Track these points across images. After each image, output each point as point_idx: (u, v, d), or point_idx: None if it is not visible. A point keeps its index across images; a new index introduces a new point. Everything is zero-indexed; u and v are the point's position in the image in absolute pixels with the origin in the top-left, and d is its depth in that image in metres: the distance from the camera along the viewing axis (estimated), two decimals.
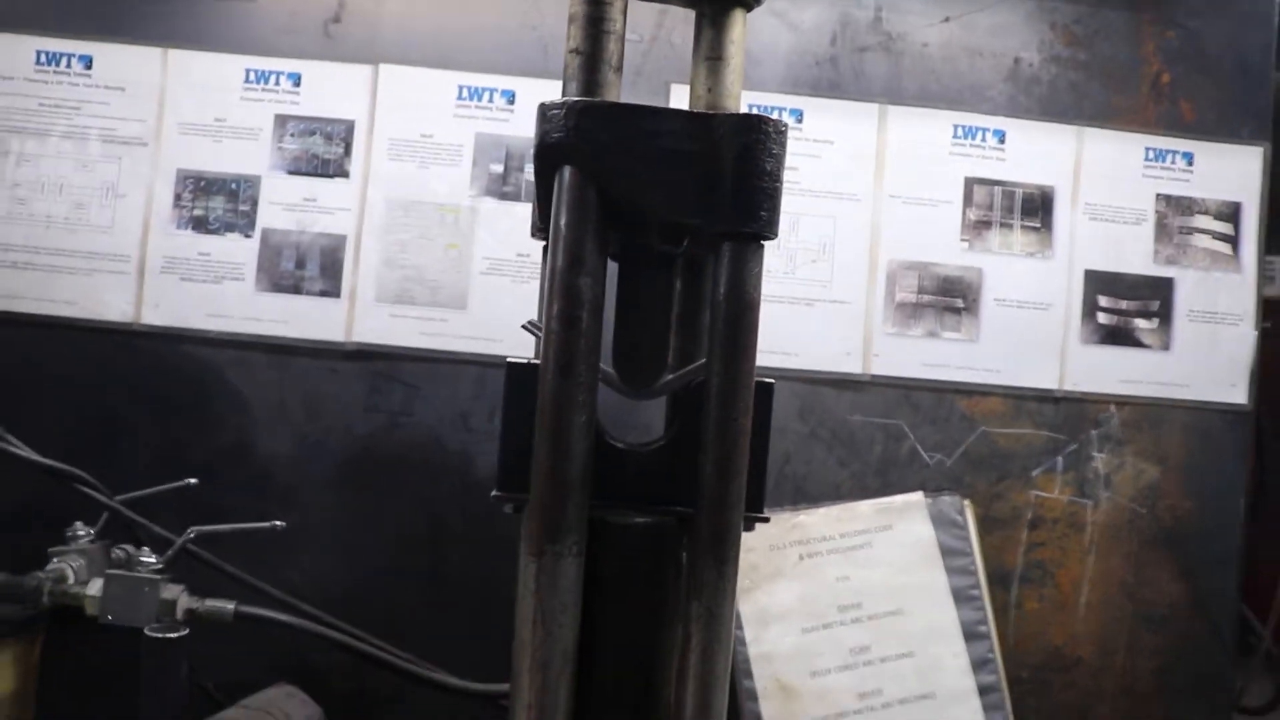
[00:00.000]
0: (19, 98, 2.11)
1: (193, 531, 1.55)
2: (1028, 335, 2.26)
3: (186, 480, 1.74)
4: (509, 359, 1.27)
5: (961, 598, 2.06)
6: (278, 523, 1.62)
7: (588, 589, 1.18)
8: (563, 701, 1.15)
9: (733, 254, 1.18)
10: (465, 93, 2.13)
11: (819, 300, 2.22)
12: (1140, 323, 2.29)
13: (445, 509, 2.12)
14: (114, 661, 1.87)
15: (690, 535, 1.21)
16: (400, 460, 2.10)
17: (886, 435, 2.25)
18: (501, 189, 2.13)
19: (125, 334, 2.08)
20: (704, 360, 1.26)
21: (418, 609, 2.11)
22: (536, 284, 2.15)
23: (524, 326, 1.34)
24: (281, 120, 2.11)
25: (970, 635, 2.02)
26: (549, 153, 1.17)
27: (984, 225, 2.26)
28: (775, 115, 2.19)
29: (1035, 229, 2.28)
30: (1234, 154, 2.31)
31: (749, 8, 1.35)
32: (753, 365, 1.20)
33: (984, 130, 2.26)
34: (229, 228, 2.09)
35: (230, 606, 1.54)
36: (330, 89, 2.11)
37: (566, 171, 1.15)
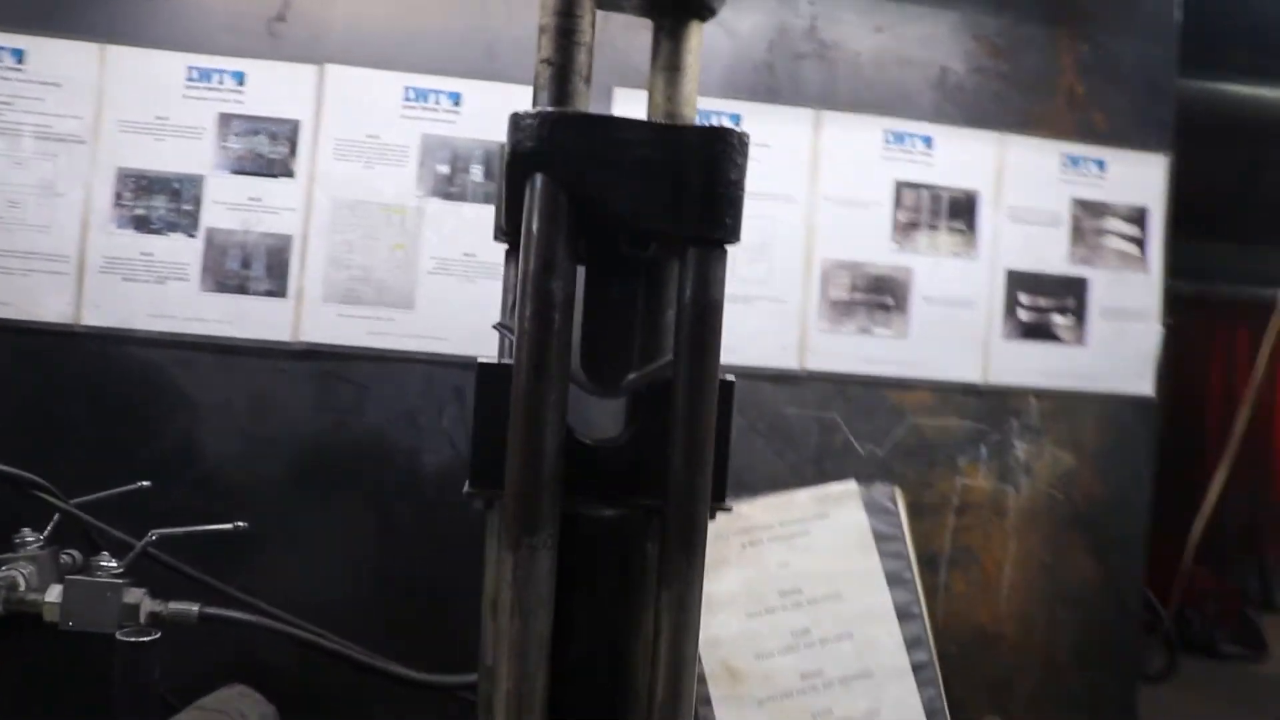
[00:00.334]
0: None
1: (154, 534, 1.54)
2: (953, 331, 2.38)
3: (139, 483, 1.73)
4: (480, 360, 1.30)
5: (895, 580, 2.16)
6: (240, 523, 1.62)
7: (560, 580, 1.23)
8: (540, 688, 1.19)
9: (698, 258, 1.24)
10: (412, 94, 2.14)
11: (757, 298, 2.30)
12: (1057, 319, 2.43)
13: (394, 506, 2.14)
14: (64, 667, 1.85)
15: (662, 526, 1.26)
16: (349, 459, 2.11)
17: (821, 427, 2.34)
18: (447, 189, 2.15)
19: (65, 335, 2.04)
20: (668, 359, 1.31)
21: (367, 605, 2.12)
22: (483, 284, 2.19)
23: (495, 327, 1.38)
24: (225, 119, 2.09)
25: (904, 616, 2.12)
26: (522, 161, 1.20)
27: (913, 227, 2.37)
28: (715, 120, 2.27)
29: (961, 230, 2.39)
30: (1141, 161, 2.47)
31: (704, 19, 1.41)
32: (717, 364, 1.26)
33: (913, 136, 2.37)
34: (172, 227, 2.06)
35: (195, 608, 1.54)
36: (275, 88, 2.10)
37: (539, 179, 1.19)
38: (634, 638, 1.33)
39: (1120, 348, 2.45)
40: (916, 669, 2.08)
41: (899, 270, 2.36)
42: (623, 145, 1.22)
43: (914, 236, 2.37)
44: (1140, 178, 2.48)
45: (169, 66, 2.07)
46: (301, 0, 2.12)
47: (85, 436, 2.04)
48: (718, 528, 2.21)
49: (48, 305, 2.03)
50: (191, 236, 2.07)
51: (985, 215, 2.40)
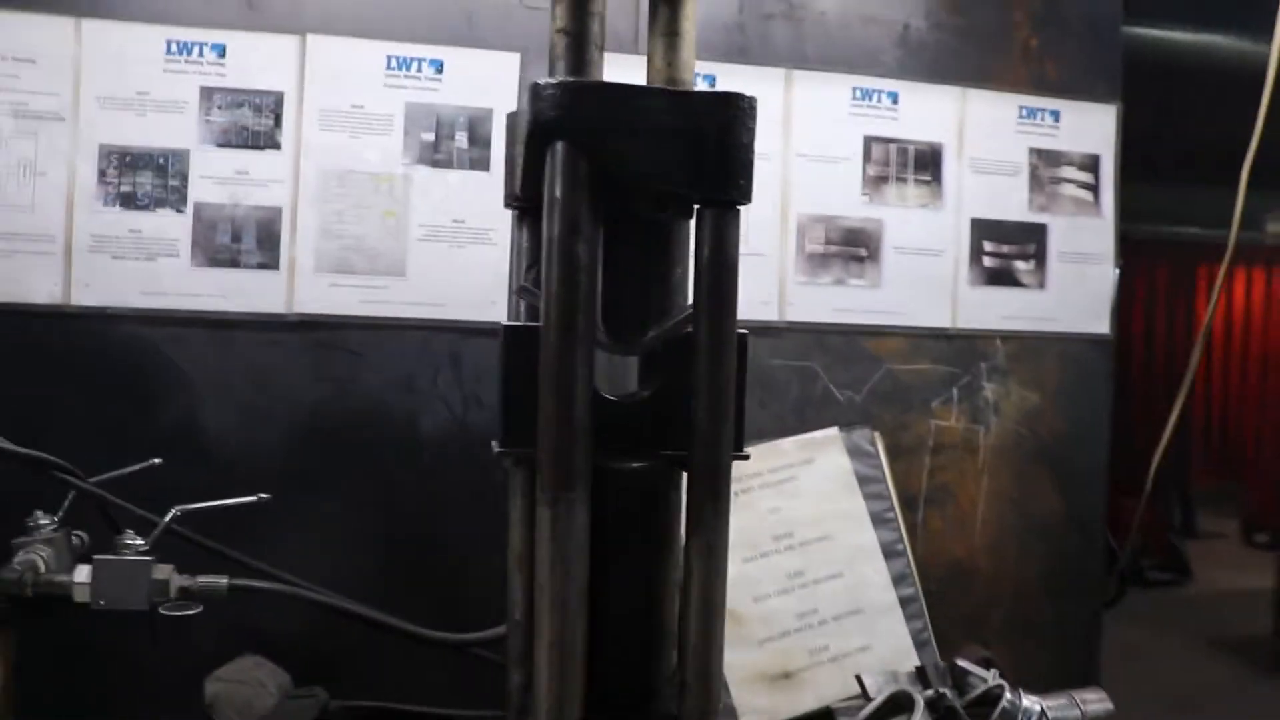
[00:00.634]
0: None
1: (178, 510, 1.57)
2: (923, 279, 2.48)
3: (151, 460, 1.74)
4: (505, 324, 1.36)
5: (879, 521, 2.26)
6: (263, 495, 1.65)
7: (593, 531, 1.29)
8: (580, 637, 1.26)
9: (714, 219, 1.30)
10: (394, 63, 2.15)
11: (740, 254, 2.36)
12: (1019, 265, 2.54)
13: (395, 470, 2.18)
14: (91, 646, 1.87)
15: (688, 475, 1.33)
16: (348, 426, 2.14)
17: (802, 377, 2.42)
18: (434, 157, 2.17)
19: (55, 316, 2.03)
20: (684, 314, 1.38)
21: (369, 568, 2.17)
22: (472, 249, 2.22)
23: (517, 291, 1.43)
24: (208, 93, 2.08)
25: (889, 554, 2.23)
26: (543, 130, 1.25)
27: (882, 180, 2.46)
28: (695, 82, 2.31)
29: (927, 182, 2.48)
30: (1093, 111, 2.58)
31: None
32: (735, 319, 1.32)
33: (879, 92, 2.45)
34: (159, 203, 2.05)
35: (224, 581, 1.57)
36: (256, 60, 2.09)
37: (560, 146, 1.23)
38: (664, 583, 1.40)
39: (1078, 290, 2.58)
40: (904, 603, 2.20)
41: (870, 222, 2.45)
42: (641, 112, 1.27)
43: (883, 189, 2.46)
44: (1093, 126, 2.59)
45: (147, 40, 2.05)
46: None
47: (80, 417, 2.04)
48: None
49: (36, 287, 2.02)
50: (180, 212, 2.07)
51: (949, 167, 2.49)
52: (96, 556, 1.53)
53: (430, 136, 2.17)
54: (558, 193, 1.24)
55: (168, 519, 1.56)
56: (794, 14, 2.40)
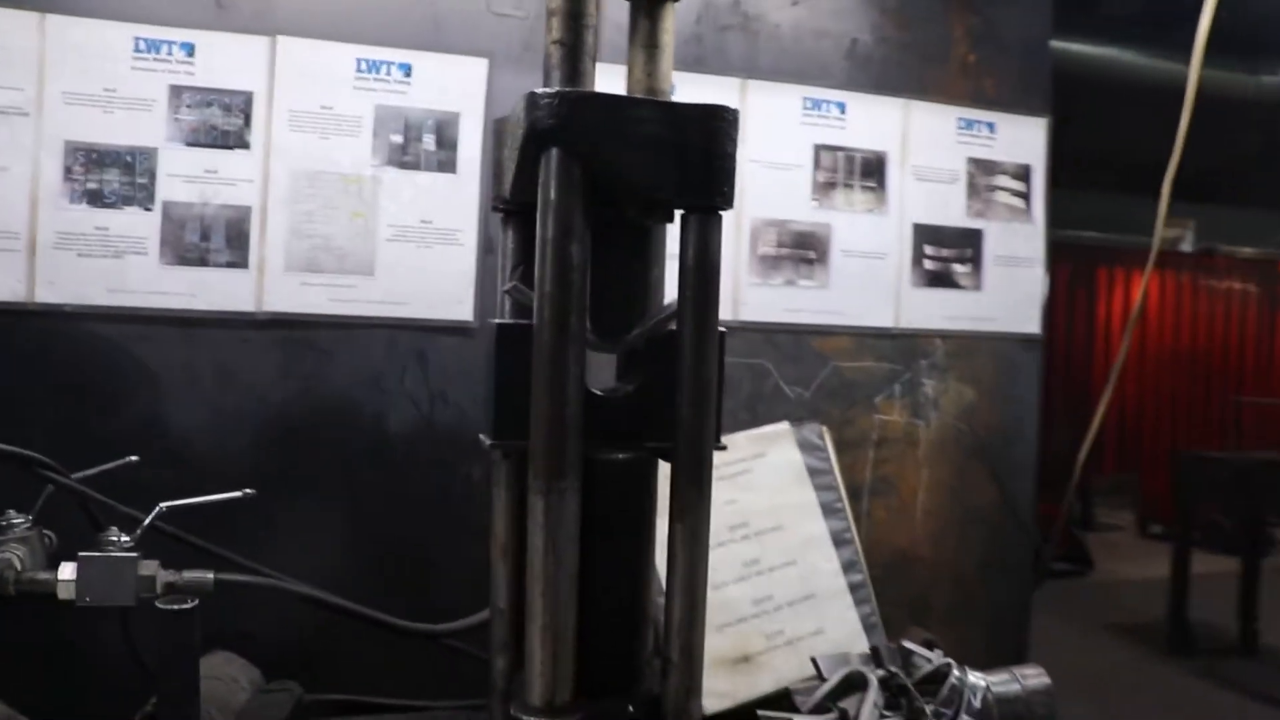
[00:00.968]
0: None
1: (163, 507, 1.58)
2: (869, 281, 2.60)
3: (128, 458, 1.74)
4: (497, 321, 1.41)
5: (828, 511, 2.36)
6: (248, 490, 1.67)
7: (582, 519, 1.36)
8: (572, 621, 1.32)
9: (699, 224, 1.38)
10: (363, 65, 2.18)
11: None
12: (957, 268, 2.68)
13: (361, 468, 2.21)
14: (62, 644, 1.86)
15: (672, 466, 1.41)
16: (316, 424, 2.17)
17: (754, 374, 2.52)
18: (402, 159, 2.21)
19: (17, 313, 2.01)
20: (666, 313, 1.45)
21: (338, 563, 2.19)
22: (440, 249, 2.26)
23: (507, 292, 1.49)
24: (176, 91, 2.08)
25: (838, 542, 2.33)
26: (540, 137, 1.31)
27: (830, 186, 2.57)
28: None
29: (872, 188, 2.61)
30: (1025, 124, 2.74)
31: (676, 0, 1.54)
32: (717, 318, 1.40)
33: (828, 102, 2.56)
34: (127, 201, 2.05)
35: (210, 576, 1.58)
36: (226, 60, 2.10)
37: (555, 153, 1.30)
38: (645, 568, 1.47)
39: (1011, 292, 2.73)
40: (853, 589, 2.30)
41: (819, 226, 2.56)
42: (633, 122, 1.34)
43: (832, 195, 2.57)
44: (1024, 138, 2.75)
45: (114, 37, 2.04)
46: None
47: (44, 415, 2.02)
48: (668, 473, 2.37)
49: None
50: (148, 210, 2.07)
51: (893, 174, 2.62)
52: (81, 553, 1.53)
53: (399, 139, 2.20)
54: (553, 197, 1.30)
55: (153, 515, 1.57)
56: (749, 26, 2.49)
